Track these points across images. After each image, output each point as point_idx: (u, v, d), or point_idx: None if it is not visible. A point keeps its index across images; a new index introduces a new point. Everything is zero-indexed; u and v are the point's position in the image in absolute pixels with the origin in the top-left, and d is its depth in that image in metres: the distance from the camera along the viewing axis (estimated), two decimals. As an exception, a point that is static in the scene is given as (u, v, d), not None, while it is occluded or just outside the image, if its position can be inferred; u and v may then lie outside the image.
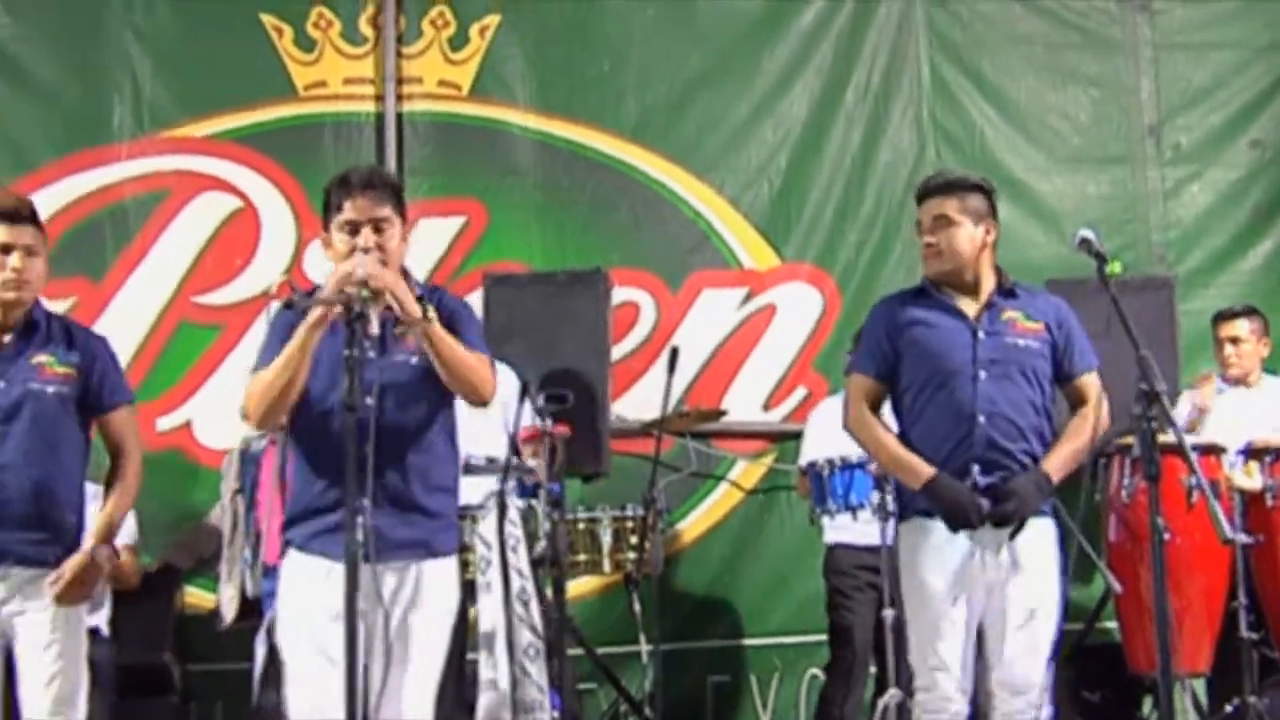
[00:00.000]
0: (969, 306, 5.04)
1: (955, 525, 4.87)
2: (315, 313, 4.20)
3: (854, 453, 6.03)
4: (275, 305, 4.96)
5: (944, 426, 4.95)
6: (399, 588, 4.36)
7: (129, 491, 5.01)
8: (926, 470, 4.89)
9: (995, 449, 4.90)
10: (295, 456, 4.49)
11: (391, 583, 4.35)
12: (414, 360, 4.37)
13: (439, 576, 4.45)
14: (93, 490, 5.08)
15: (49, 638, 4.76)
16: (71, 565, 4.77)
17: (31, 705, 4.73)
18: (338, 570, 4.08)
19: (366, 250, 4.31)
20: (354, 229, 4.36)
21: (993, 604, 4.91)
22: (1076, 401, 5.08)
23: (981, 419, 4.91)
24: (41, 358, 4.86)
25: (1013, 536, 4.87)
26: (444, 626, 4.46)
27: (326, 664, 4.18)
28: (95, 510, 5.00)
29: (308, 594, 4.33)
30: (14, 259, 4.80)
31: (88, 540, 4.86)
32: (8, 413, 4.80)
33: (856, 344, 5.54)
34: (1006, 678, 4.91)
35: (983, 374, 4.93)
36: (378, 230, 4.36)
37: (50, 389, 4.84)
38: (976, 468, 4.89)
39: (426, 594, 4.40)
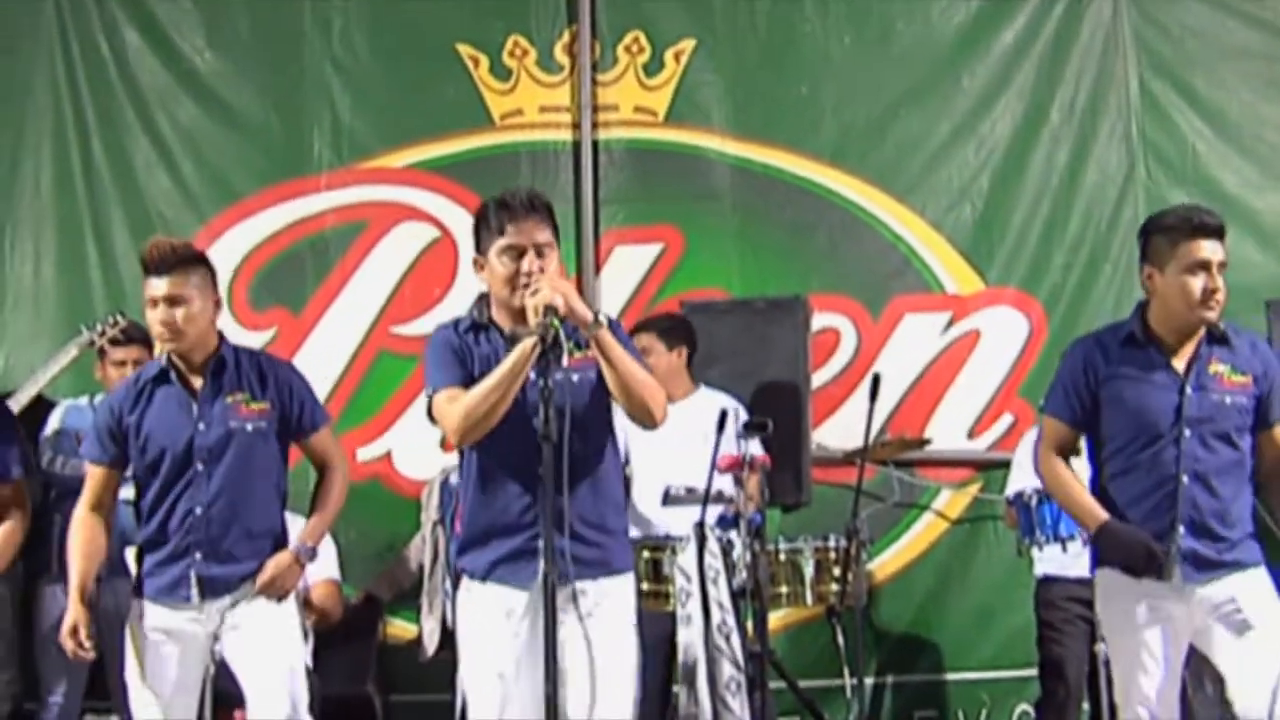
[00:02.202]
0: (1178, 358, 4.90)
1: (1138, 570, 4.79)
2: (528, 342, 4.25)
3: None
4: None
5: (1146, 486, 4.86)
6: (585, 604, 4.36)
7: (334, 503, 5.23)
8: (1100, 515, 4.84)
9: (1199, 510, 4.81)
10: (469, 478, 4.48)
11: (579, 603, 4.35)
12: (575, 376, 4.36)
13: (618, 591, 4.46)
14: (293, 520, 5.26)
15: (264, 641, 4.98)
16: (275, 561, 5.01)
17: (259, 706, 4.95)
18: (521, 599, 4.15)
19: (531, 275, 4.34)
20: (518, 253, 4.38)
21: (1211, 643, 4.82)
22: (1270, 450, 4.95)
23: (1186, 479, 4.81)
24: (236, 396, 5.07)
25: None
26: (629, 640, 4.44)
27: (516, 707, 4.25)
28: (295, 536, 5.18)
29: (491, 628, 4.35)
30: (159, 312, 4.98)
31: (294, 540, 5.09)
32: (211, 453, 5.03)
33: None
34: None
35: (1188, 432, 4.82)
36: (540, 255, 4.39)
37: (249, 426, 5.06)
38: (1182, 530, 4.81)
39: (608, 609, 4.40)
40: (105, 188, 7.97)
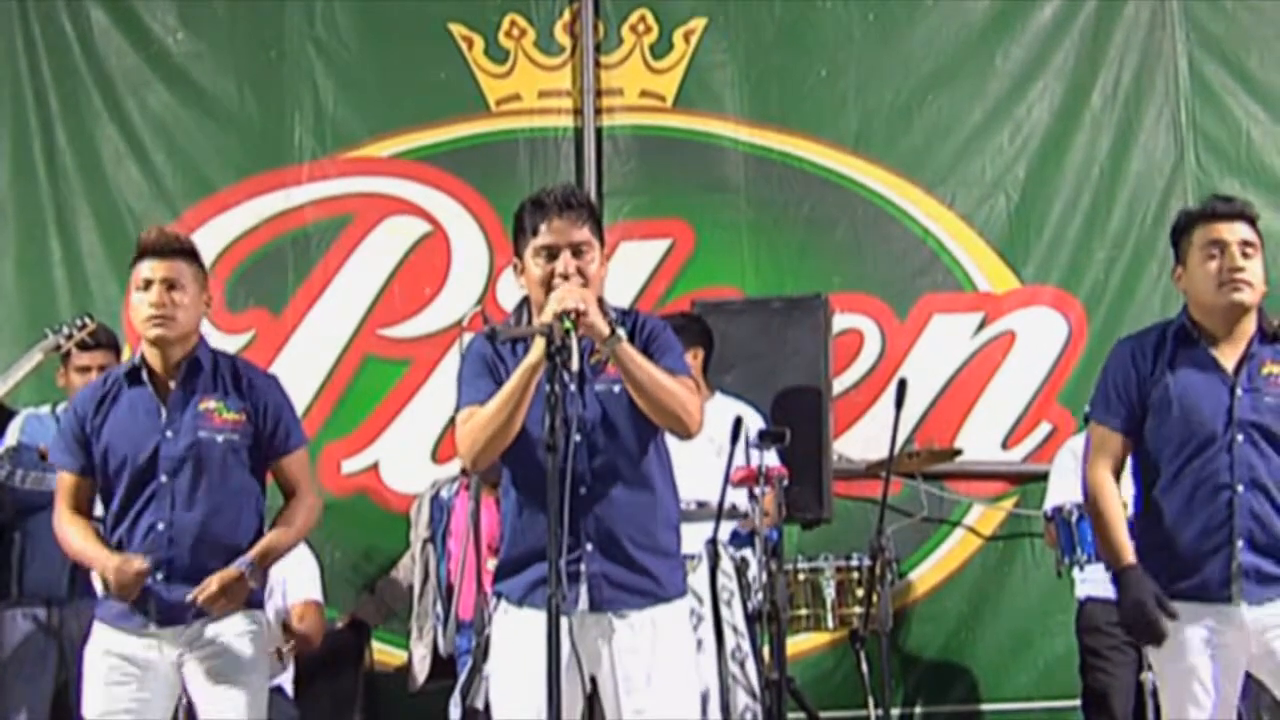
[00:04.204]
0: (1227, 357, 4.86)
1: (1130, 632, 4.85)
2: (534, 353, 4.25)
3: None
4: (467, 338, 5.02)
5: (1198, 497, 4.80)
6: (632, 638, 4.37)
7: (296, 528, 5.12)
8: (1127, 559, 4.81)
9: (1258, 521, 4.76)
10: (508, 498, 4.52)
11: (624, 633, 4.37)
12: (616, 387, 4.38)
13: (669, 622, 4.44)
14: (293, 555, 5.23)
15: (226, 681, 4.92)
16: (220, 576, 4.87)
17: None
18: (561, 624, 4.14)
19: (566, 276, 4.35)
20: (552, 254, 4.40)
21: (1270, 671, 4.79)
22: None
23: (1241, 489, 4.76)
24: (209, 403, 5.01)
25: None
26: (686, 673, 4.47)
27: None
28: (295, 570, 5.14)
29: (527, 654, 4.26)
30: (152, 293, 4.95)
31: (244, 558, 4.94)
32: (175, 464, 4.95)
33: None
34: None
35: (1240, 437, 4.77)
36: (577, 254, 4.40)
37: (220, 438, 4.99)
38: (1241, 544, 4.76)
39: (662, 642, 4.40)
40: (70, 180, 8.02)
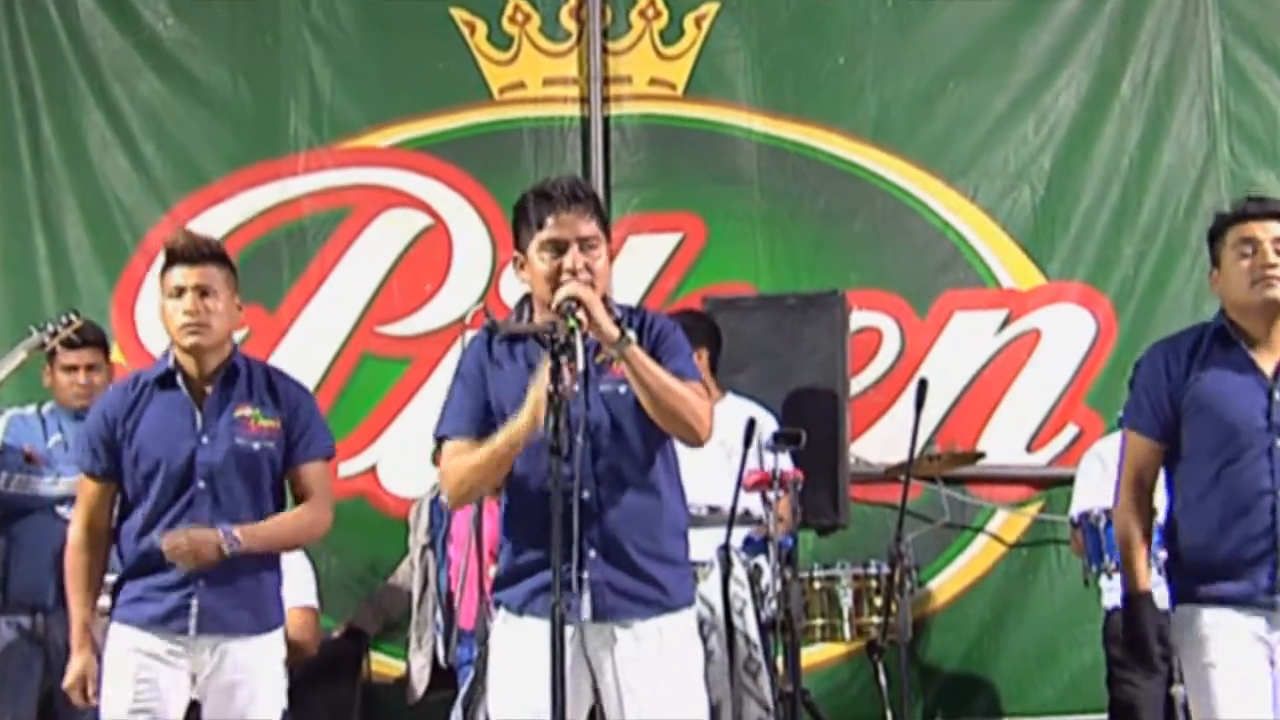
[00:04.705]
0: (1264, 358, 4.84)
1: (1129, 655, 4.99)
2: (523, 418, 4.24)
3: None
4: (469, 335, 5.03)
5: (1236, 506, 4.76)
6: (637, 648, 4.35)
7: (292, 526, 5.14)
8: (1142, 585, 4.85)
9: None
10: (507, 504, 4.51)
11: (628, 644, 4.35)
12: (622, 389, 4.37)
13: (675, 632, 4.42)
14: (288, 558, 5.29)
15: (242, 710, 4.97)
16: (191, 535, 4.88)
17: None
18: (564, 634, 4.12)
19: (574, 272, 4.33)
20: (559, 249, 4.37)
21: None
22: None
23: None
24: (245, 410, 5.08)
25: None
26: (694, 685, 4.43)
27: None
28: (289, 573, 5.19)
29: (527, 664, 4.25)
30: (186, 301, 4.99)
31: (228, 526, 4.94)
32: (215, 470, 5.00)
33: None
34: None
35: (1279, 442, 4.78)
36: (584, 250, 4.38)
37: (256, 445, 5.06)
38: None
39: (669, 653, 4.38)
40: (55, 171, 8.03)
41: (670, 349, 4.46)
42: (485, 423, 4.41)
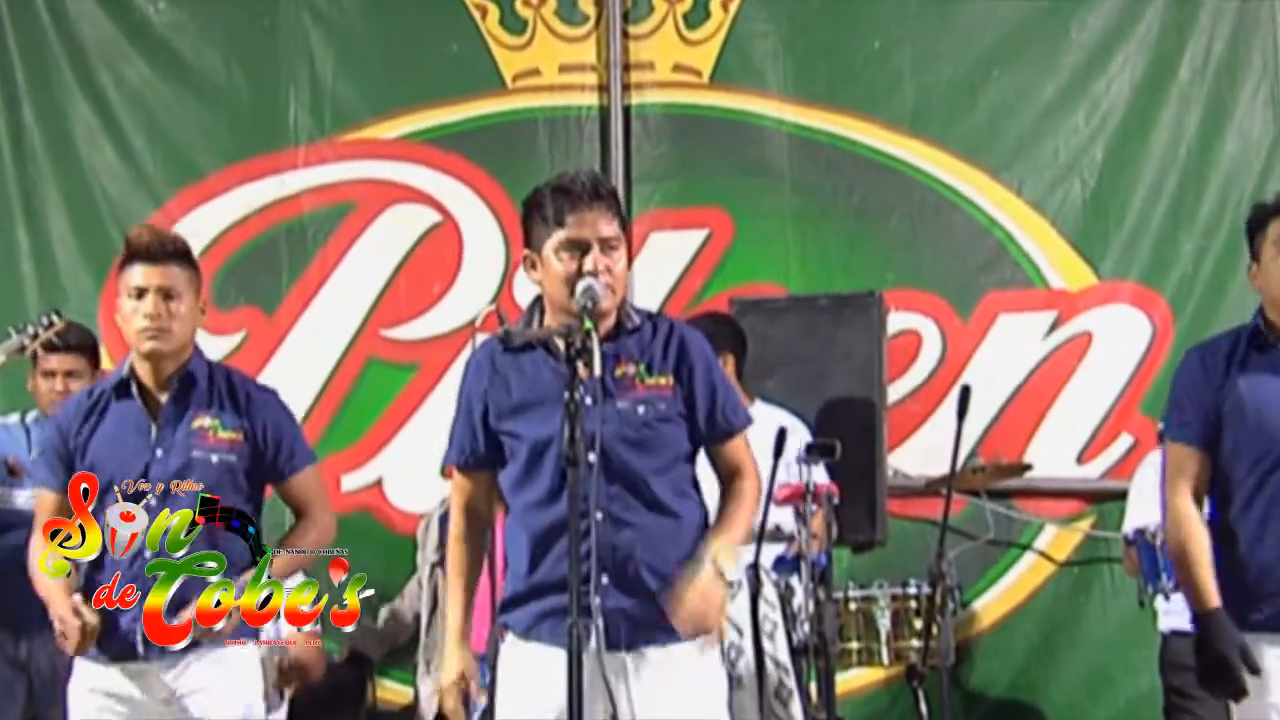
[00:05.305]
0: None
1: (1204, 683, 4.81)
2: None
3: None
4: (480, 339, 4.98)
5: (1277, 515, 4.75)
6: (652, 677, 4.32)
7: (314, 543, 5.06)
8: (1211, 602, 4.76)
9: None
10: (514, 521, 4.46)
11: (643, 673, 4.32)
12: (641, 408, 4.36)
13: (698, 658, 4.38)
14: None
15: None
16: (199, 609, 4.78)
17: None
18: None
19: (596, 274, 4.30)
20: (580, 249, 4.33)
21: None
22: None
23: None
24: (203, 420, 4.97)
25: None
26: (715, 715, 4.42)
27: None
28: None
29: (535, 692, 4.29)
30: (147, 303, 4.90)
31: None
32: (167, 488, 4.89)
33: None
34: None
35: None
36: (605, 251, 4.36)
37: (214, 458, 4.94)
38: None
39: (687, 681, 4.34)
40: (38, 163, 8.06)
41: (724, 399, 4.48)
42: (487, 450, 4.46)
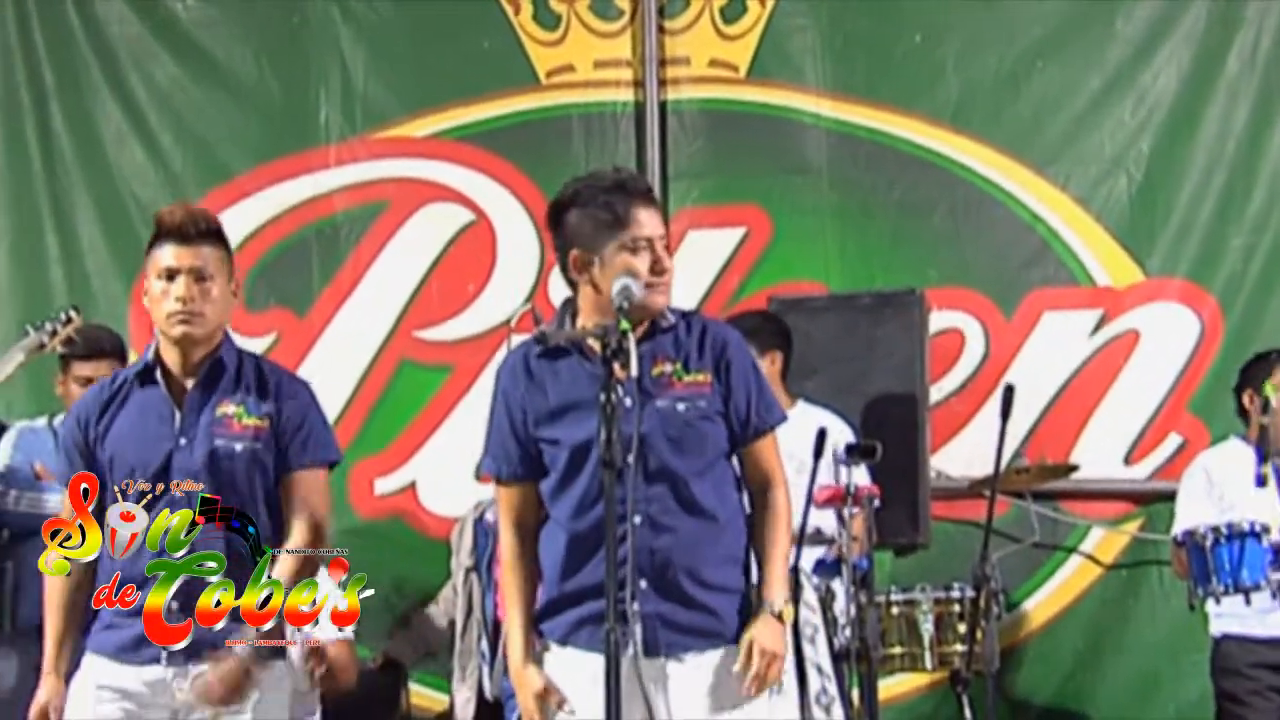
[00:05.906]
0: None
1: None
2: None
3: (1245, 517, 5.93)
4: (516, 340, 4.97)
5: None
6: (691, 683, 4.30)
7: (293, 571, 4.73)
8: None
9: None
10: (552, 527, 4.45)
11: (682, 679, 4.30)
12: (681, 405, 4.34)
13: (731, 666, 4.33)
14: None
15: None
16: (220, 676, 4.61)
17: None
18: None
19: (664, 273, 4.33)
20: (648, 249, 4.32)
21: None
22: None
23: None
24: (228, 408, 4.81)
25: None
26: None
27: None
28: None
29: (572, 699, 4.30)
30: (179, 286, 4.74)
31: (243, 643, 4.66)
32: (193, 477, 4.77)
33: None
34: None
35: None
36: (664, 249, 4.38)
37: (239, 446, 4.78)
38: None
39: (727, 687, 4.29)
40: (67, 165, 8.08)
41: (759, 397, 4.46)
42: (527, 459, 4.44)
